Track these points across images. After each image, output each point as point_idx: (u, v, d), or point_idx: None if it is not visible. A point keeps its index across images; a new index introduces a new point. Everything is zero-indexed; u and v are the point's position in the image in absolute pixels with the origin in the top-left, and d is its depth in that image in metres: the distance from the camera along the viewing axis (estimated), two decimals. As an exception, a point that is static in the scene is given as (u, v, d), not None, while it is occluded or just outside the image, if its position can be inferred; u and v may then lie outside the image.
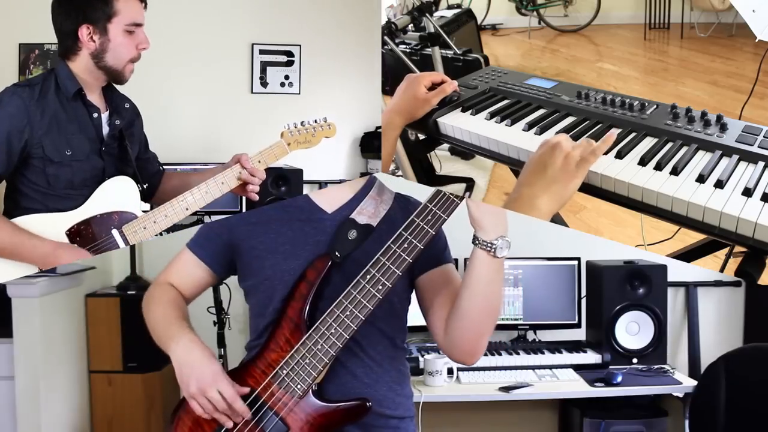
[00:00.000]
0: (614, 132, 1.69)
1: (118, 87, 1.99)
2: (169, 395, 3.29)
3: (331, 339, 1.43)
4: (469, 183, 2.49)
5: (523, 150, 1.82)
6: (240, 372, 1.50)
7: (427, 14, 3.03)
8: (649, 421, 2.96)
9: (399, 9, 3.29)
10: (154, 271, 3.45)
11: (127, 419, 3.23)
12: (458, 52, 3.02)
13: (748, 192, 1.53)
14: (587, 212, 2.82)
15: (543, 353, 3.06)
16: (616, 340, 3.07)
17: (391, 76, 3.06)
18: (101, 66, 1.88)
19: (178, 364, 1.46)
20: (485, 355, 2.97)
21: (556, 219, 2.29)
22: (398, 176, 2.28)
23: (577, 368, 3.01)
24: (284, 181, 3.40)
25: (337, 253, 1.49)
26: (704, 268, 3.19)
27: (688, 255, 1.89)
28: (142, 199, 1.98)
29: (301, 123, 2.08)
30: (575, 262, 3.25)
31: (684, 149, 1.71)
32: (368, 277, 1.42)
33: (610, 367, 3.01)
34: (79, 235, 1.85)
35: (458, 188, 2.47)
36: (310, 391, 1.45)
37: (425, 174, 2.31)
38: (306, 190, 3.55)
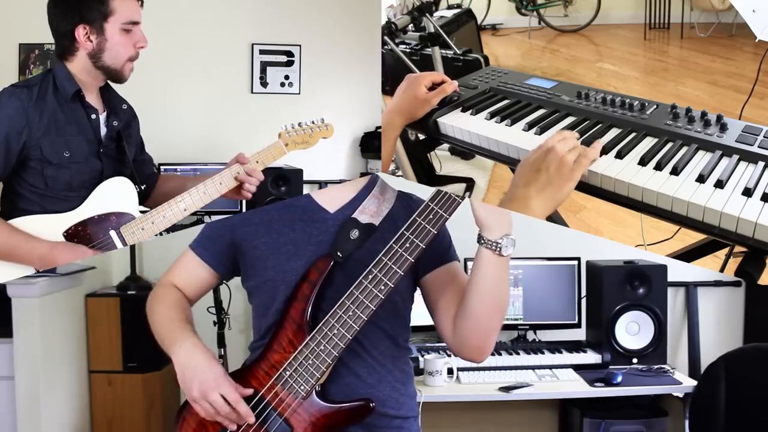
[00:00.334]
0: (602, 142, 1.70)
1: (118, 87, 1.97)
2: (169, 395, 3.29)
3: (334, 340, 1.43)
4: (469, 183, 2.49)
5: (523, 150, 1.82)
6: (243, 373, 1.50)
7: (427, 14, 3.03)
8: (649, 421, 2.96)
9: (399, 9, 3.29)
10: (154, 271, 3.45)
11: (127, 419, 3.23)
12: (458, 52, 3.02)
13: (748, 192, 1.53)
14: (587, 212, 2.82)
15: (543, 353, 3.06)
16: (616, 340, 3.07)
17: (391, 76, 3.06)
18: (99, 66, 1.86)
19: (180, 367, 1.46)
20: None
21: (556, 219, 2.29)
22: (398, 176, 2.28)
23: (577, 368, 3.01)
24: (284, 181, 3.40)
25: (339, 253, 1.49)
26: (704, 268, 3.19)
27: (688, 255, 1.89)
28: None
29: (299, 124, 2.07)
30: (575, 262, 3.25)
31: (684, 149, 1.71)
32: (370, 277, 1.42)
33: (610, 367, 3.01)
34: (77, 236, 1.84)
35: (458, 188, 2.47)
36: (314, 391, 1.45)
37: (425, 174, 2.31)
38: (306, 190, 3.56)
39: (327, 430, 1.45)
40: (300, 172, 3.47)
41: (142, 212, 1.95)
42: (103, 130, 1.92)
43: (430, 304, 1.57)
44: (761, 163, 1.62)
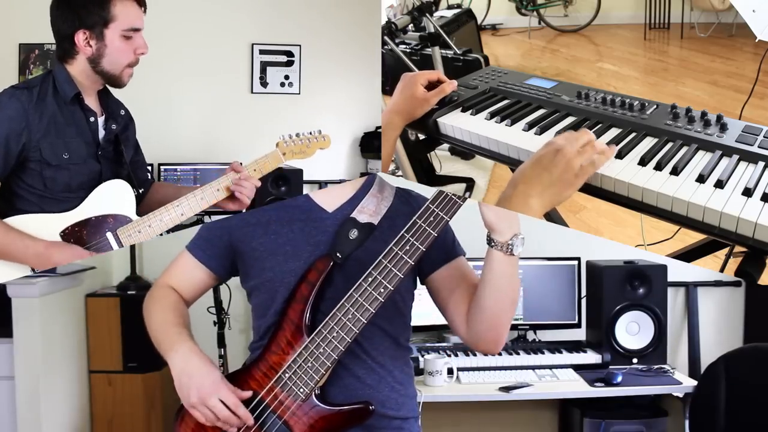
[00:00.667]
0: (615, 147, 1.68)
1: (118, 89, 1.97)
2: (169, 395, 3.27)
3: (334, 342, 1.42)
4: (469, 183, 2.49)
5: (523, 150, 1.82)
6: (242, 375, 1.50)
7: (427, 14, 3.02)
8: (649, 421, 2.96)
9: (399, 9, 3.29)
10: (153, 271, 3.45)
11: (127, 419, 3.23)
12: (458, 52, 3.01)
13: (748, 192, 1.53)
14: (587, 212, 2.82)
15: (543, 353, 3.06)
16: (616, 340, 3.07)
17: (391, 76, 3.05)
18: (98, 71, 1.86)
19: (177, 373, 1.46)
20: (485, 354, 2.97)
21: (556, 219, 2.29)
22: (398, 176, 2.28)
23: (577, 368, 3.01)
24: (284, 181, 3.40)
25: (338, 254, 1.48)
26: (704, 268, 3.19)
27: (688, 255, 1.89)
28: None
29: (297, 134, 2.09)
30: (575, 262, 3.25)
31: (684, 149, 1.71)
32: (370, 279, 1.42)
33: (610, 367, 3.01)
34: (73, 236, 1.84)
35: (458, 188, 2.47)
36: (313, 394, 1.44)
37: (425, 174, 2.31)
38: (306, 190, 3.56)
39: (326, 432, 1.44)
40: (300, 172, 3.47)
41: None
42: (102, 133, 1.92)
43: (440, 302, 1.57)
44: (761, 163, 1.62)
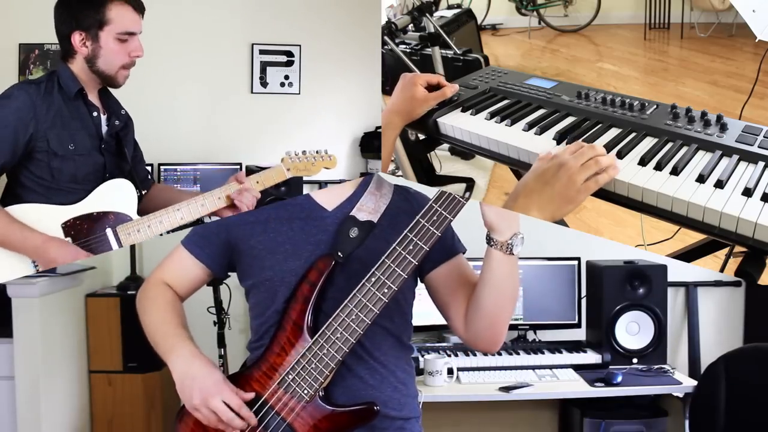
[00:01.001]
0: (619, 168, 1.66)
1: (118, 89, 2.03)
2: (169, 395, 3.28)
3: (338, 344, 1.42)
4: (469, 183, 2.49)
5: (523, 150, 1.82)
6: (244, 376, 1.49)
7: (427, 14, 3.02)
8: (649, 421, 2.96)
9: (399, 9, 3.29)
10: (154, 271, 3.44)
11: (127, 419, 3.23)
12: (458, 52, 3.01)
13: (748, 192, 1.53)
14: (587, 212, 2.82)
15: (543, 353, 3.06)
16: (616, 340, 3.07)
17: (391, 76, 3.05)
18: (94, 70, 1.94)
19: (179, 376, 1.46)
20: (485, 354, 2.97)
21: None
22: (398, 176, 2.28)
23: (577, 368, 3.01)
24: (284, 182, 3.39)
25: (339, 254, 1.48)
26: (704, 268, 3.19)
27: (688, 255, 1.89)
28: None
29: (303, 152, 2.13)
30: (575, 262, 3.25)
31: (684, 149, 1.71)
32: (373, 280, 1.41)
33: (610, 367, 3.01)
34: (74, 229, 1.90)
35: (458, 188, 2.47)
36: (317, 395, 1.44)
37: (425, 174, 2.31)
38: (306, 190, 3.55)
39: (330, 434, 1.44)
40: (300, 172, 3.46)
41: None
42: (104, 128, 2.00)
43: (439, 300, 1.57)
44: (761, 163, 1.62)
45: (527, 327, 3.23)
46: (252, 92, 4.28)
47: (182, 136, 4.03)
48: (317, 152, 2.14)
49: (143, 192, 2.06)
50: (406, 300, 1.57)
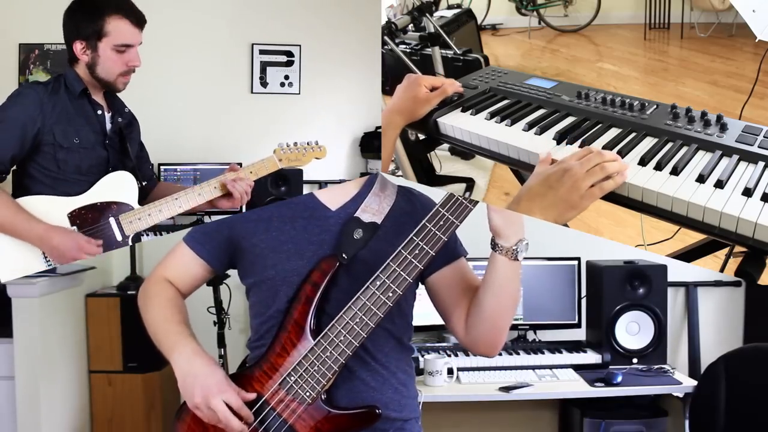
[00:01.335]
0: (625, 174, 1.64)
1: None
2: (169, 395, 3.29)
3: (341, 346, 1.42)
4: (469, 183, 2.49)
5: (523, 150, 1.82)
6: (245, 376, 1.49)
7: (427, 14, 3.02)
8: (649, 421, 2.96)
9: (399, 9, 3.29)
10: (154, 271, 3.45)
11: (127, 419, 3.23)
12: (458, 52, 3.01)
13: (748, 192, 1.53)
14: (587, 212, 2.80)
15: (543, 353, 3.06)
16: (616, 340, 3.07)
17: (391, 76, 3.05)
18: (94, 76, 2.05)
19: (181, 374, 1.45)
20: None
21: (556, 219, 2.28)
22: (398, 176, 2.28)
23: (577, 368, 3.01)
24: (284, 181, 3.40)
25: (344, 255, 1.47)
26: (704, 268, 3.18)
27: (688, 255, 1.89)
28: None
29: (294, 143, 2.21)
30: (575, 262, 3.25)
31: (684, 149, 1.71)
32: (378, 283, 1.41)
33: (610, 367, 3.01)
34: (80, 218, 2.00)
35: (458, 188, 2.47)
36: (319, 398, 1.44)
37: (425, 174, 2.31)
38: (306, 190, 3.55)
39: (331, 435, 1.43)
40: (300, 172, 3.46)
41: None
42: (108, 125, 2.10)
43: (440, 303, 1.57)
44: (761, 163, 1.62)
45: (527, 327, 3.23)
46: (252, 92, 4.28)
47: (182, 135, 4.03)
48: (308, 143, 2.23)
49: (144, 183, 2.15)
50: (407, 302, 1.57)
